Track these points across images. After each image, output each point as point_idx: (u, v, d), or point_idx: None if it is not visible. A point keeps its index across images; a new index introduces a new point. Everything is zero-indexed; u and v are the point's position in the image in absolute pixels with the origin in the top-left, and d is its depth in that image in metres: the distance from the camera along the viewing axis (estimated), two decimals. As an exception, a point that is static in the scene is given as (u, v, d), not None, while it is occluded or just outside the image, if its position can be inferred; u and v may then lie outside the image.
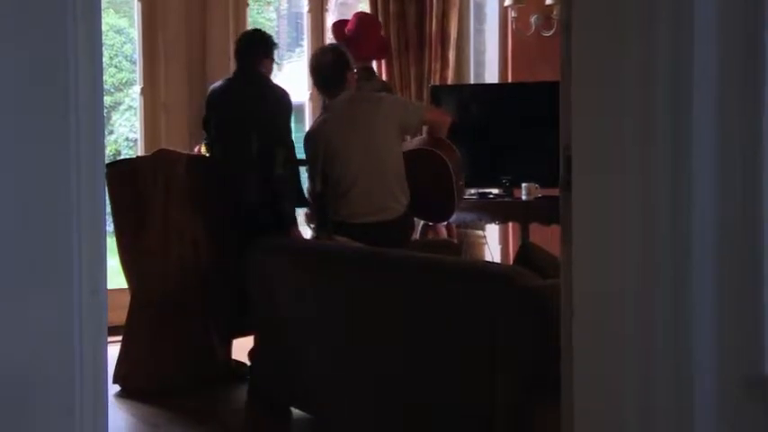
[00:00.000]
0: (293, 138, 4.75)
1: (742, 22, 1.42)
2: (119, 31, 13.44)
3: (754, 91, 1.42)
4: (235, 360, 4.85)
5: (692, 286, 1.46)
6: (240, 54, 4.78)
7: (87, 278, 1.59)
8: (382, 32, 6.13)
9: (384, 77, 6.21)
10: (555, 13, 6.02)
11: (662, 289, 1.49)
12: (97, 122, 1.61)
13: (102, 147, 1.65)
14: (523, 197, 5.29)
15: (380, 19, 6.26)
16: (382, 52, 5.92)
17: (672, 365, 1.49)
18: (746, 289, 1.42)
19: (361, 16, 5.66)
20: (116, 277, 4.63)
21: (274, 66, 4.89)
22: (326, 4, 6.72)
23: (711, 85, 1.44)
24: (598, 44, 1.60)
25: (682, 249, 1.47)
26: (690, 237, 1.46)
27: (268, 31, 5.12)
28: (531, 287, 2.80)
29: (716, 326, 1.45)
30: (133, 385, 4.54)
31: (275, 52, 4.84)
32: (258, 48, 4.76)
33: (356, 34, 5.30)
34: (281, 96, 4.69)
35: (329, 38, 5.77)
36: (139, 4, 6.31)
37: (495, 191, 5.55)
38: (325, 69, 4.55)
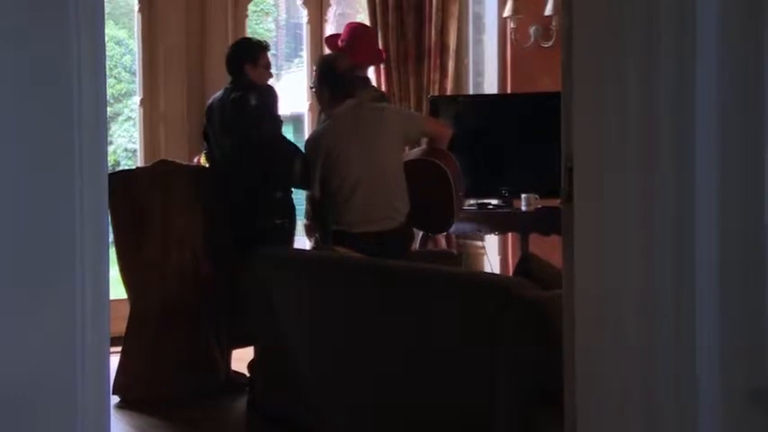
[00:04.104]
0: (287, 138, 4.76)
1: (744, 30, 1.43)
2: (118, 42, 13.46)
3: (756, 98, 1.42)
4: (234, 371, 4.85)
5: (695, 297, 1.46)
6: (229, 68, 4.79)
7: (90, 290, 1.59)
8: (379, 41, 6.14)
9: (383, 88, 6.22)
10: (554, 24, 6.03)
11: (665, 301, 1.49)
12: (100, 134, 1.61)
13: (105, 158, 1.66)
14: (523, 208, 5.29)
15: (379, 30, 6.27)
16: (377, 60, 5.92)
17: (675, 377, 1.48)
18: (750, 301, 1.42)
19: (353, 26, 5.68)
20: (115, 287, 4.62)
21: (269, 71, 4.87)
22: (326, 15, 6.73)
23: (713, 97, 1.44)
24: (599, 54, 1.60)
25: (684, 260, 1.47)
26: (692, 248, 1.46)
27: (267, 42, 5.13)
28: (531, 298, 2.80)
29: (720, 338, 1.45)
30: (133, 396, 4.54)
31: (265, 56, 4.82)
32: (241, 57, 4.75)
33: (349, 45, 5.31)
34: (257, 105, 4.66)
35: (327, 50, 5.78)
36: (139, 16, 6.32)
37: (495, 201, 5.55)
38: (344, 79, 4.55)
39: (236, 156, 4.67)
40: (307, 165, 4.55)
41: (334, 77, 4.55)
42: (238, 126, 4.66)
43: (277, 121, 4.70)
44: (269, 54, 4.90)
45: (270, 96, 4.70)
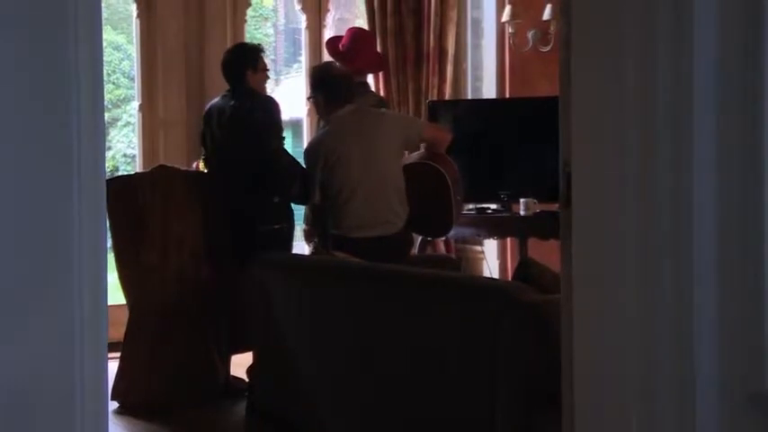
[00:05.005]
0: (289, 152, 4.77)
1: (742, 33, 1.43)
2: (116, 48, 13.47)
3: (753, 102, 1.42)
4: (233, 375, 4.85)
5: (695, 301, 1.46)
6: (227, 74, 4.79)
7: (88, 295, 1.59)
8: (378, 47, 6.16)
9: (382, 93, 6.23)
10: (552, 28, 6.04)
11: (664, 304, 1.49)
12: (98, 139, 1.61)
13: (103, 163, 1.66)
14: (521, 212, 5.29)
15: (378, 34, 6.28)
16: (377, 66, 5.94)
17: (674, 381, 1.48)
18: (750, 304, 1.42)
19: (354, 31, 5.69)
20: (114, 293, 4.62)
21: (267, 74, 4.88)
22: (324, 20, 6.74)
23: (711, 102, 1.45)
24: (598, 57, 1.60)
25: (683, 265, 1.47)
26: (691, 252, 1.46)
27: (266, 47, 5.14)
28: (530, 302, 2.80)
29: (719, 341, 1.45)
30: (132, 401, 4.54)
31: (263, 59, 4.82)
32: (241, 63, 4.75)
33: (350, 49, 5.32)
34: (264, 119, 4.66)
35: (326, 54, 5.80)
36: (138, 21, 6.33)
37: (494, 206, 5.56)
38: (340, 83, 4.56)
39: (236, 164, 4.68)
40: (305, 183, 4.56)
41: (327, 83, 4.57)
42: (242, 139, 4.67)
43: (280, 134, 4.71)
44: (264, 56, 4.90)
45: (273, 109, 4.71)
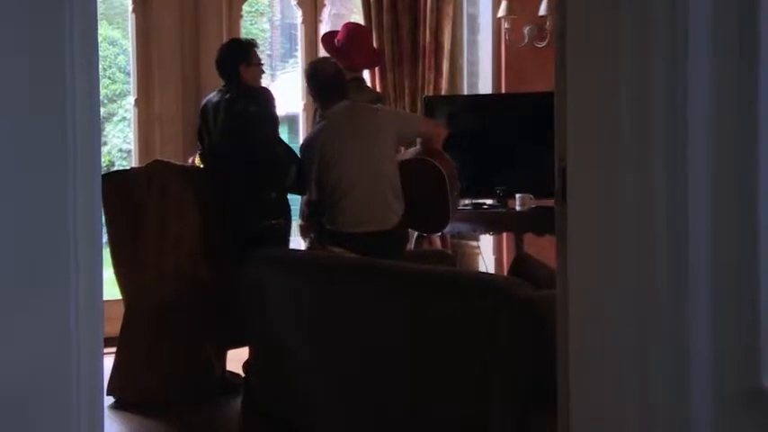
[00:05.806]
0: (284, 141, 4.77)
1: (737, 24, 1.43)
2: (112, 43, 13.46)
3: (749, 98, 1.42)
4: (229, 371, 4.85)
5: (690, 298, 1.46)
6: (220, 71, 4.79)
7: (84, 290, 1.58)
8: (374, 42, 6.15)
9: (378, 88, 6.22)
10: (548, 24, 6.04)
11: (659, 300, 1.49)
12: (94, 134, 1.61)
13: (99, 158, 1.66)
14: (517, 208, 5.29)
15: (374, 30, 6.27)
16: (374, 62, 5.93)
17: (670, 377, 1.49)
18: (744, 301, 1.43)
19: (350, 27, 5.67)
20: (110, 288, 4.61)
21: (261, 68, 4.88)
22: (320, 15, 6.74)
23: (707, 96, 1.45)
24: (593, 53, 1.61)
25: (679, 261, 1.47)
26: (686, 248, 1.46)
27: (261, 43, 5.13)
28: (525, 298, 2.81)
29: (713, 338, 1.45)
30: (127, 397, 4.53)
31: (256, 54, 4.82)
32: (234, 58, 4.75)
33: (346, 45, 5.31)
34: (259, 112, 4.66)
35: (322, 49, 5.79)
36: (133, 16, 6.32)
37: (490, 201, 5.56)
38: (328, 78, 4.56)
39: (233, 158, 4.68)
40: (301, 172, 4.57)
41: (318, 80, 4.58)
42: (238, 132, 4.67)
43: (275, 124, 4.70)
44: (258, 51, 4.90)
45: (268, 100, 4.71)
